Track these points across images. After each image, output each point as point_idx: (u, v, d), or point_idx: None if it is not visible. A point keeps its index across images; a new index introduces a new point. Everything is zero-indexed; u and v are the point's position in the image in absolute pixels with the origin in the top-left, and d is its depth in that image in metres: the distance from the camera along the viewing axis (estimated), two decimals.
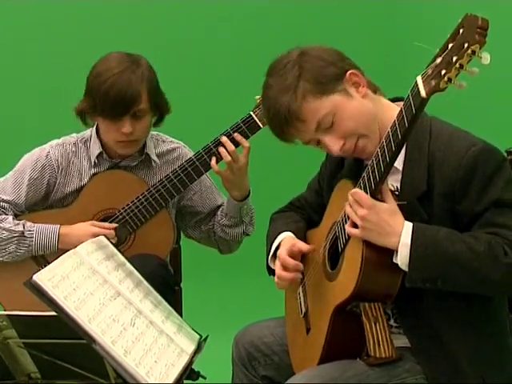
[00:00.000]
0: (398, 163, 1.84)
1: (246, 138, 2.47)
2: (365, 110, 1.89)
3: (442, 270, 1.76)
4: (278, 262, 2.06)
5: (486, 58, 1.54)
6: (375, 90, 1.95)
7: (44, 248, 2.44)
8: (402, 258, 1.76)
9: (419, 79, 1.64)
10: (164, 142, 2.61)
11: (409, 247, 1.75)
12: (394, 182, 1.90)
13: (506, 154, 2.25)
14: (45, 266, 1.77)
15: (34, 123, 4.19)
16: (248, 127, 2.47)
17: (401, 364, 1.86)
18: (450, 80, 1.58)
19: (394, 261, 1.79)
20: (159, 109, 2.47)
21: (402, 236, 1.76)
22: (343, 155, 1.94)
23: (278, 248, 2.12)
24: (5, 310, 2.41)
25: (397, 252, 1.78)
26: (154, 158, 2.56)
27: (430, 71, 1.62)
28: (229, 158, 2.42)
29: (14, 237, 2.44)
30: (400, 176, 1.88)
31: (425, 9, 4.32)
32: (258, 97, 2.49)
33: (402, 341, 1.91)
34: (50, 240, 2.43)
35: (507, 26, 3.81)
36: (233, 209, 2.54)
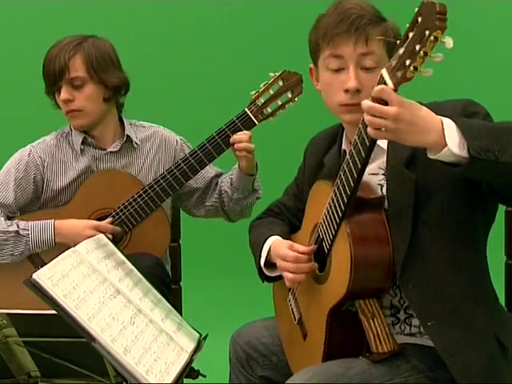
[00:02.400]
0: (383, 142, 1.83)
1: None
2: None
3: (494, 136, 1.63)
4: (281, 262, 2.01)
5: (448, 42, 1.53)
6: None
7: (41, 244, 2.44)
8: (451, 139, 1.62)
9: (384, 72, 1.62)
10: (143, 127, 2.65)
11: (454, 125, 1.63)
12: (380, 163, 1.88)
13: None
14: (41, 266, 1.76)
15: (32, 122, 4.19)
16: (243, 124, 2.47)
17: (404, 362, 1.85)
18: (416, 69, 1.56)
19: (430, 156, 1.66)
20: (104, 81, 2.47)
21: (444, 123, 1.63)
22: (345, 98, 1.88)
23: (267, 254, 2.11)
24: None
25: (438, 147, 1.64)
26: (136, 140, 2.58)
27: (393, 62, 1.60)
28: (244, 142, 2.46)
29: (10, 237, 2.44)
30: (385, 154, 1.87)
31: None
32: (253, 92, 2.49)
33: (399, 340, 1.89)
34: (46, 235, 2.43)
35: (506, 23, 3.82)
36: (247, 183, 2.57)
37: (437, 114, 1.73)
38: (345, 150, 2.01)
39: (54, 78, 2.45)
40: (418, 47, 1.55)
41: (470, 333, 1.81)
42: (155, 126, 2.65)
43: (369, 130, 1.67)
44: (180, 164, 2.48)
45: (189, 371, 1.86)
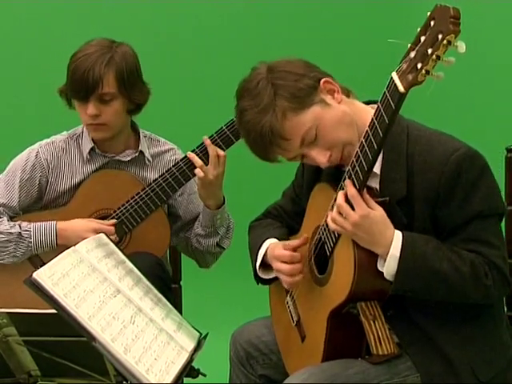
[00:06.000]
0: (376, 166, 1.82)
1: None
2: (344, 117, 1.87)
3: (426, 285, 1.79)
4: (277, 264, 2.01)
5: (461, 46, 1.54)
6: (348, 94, 1.93)
7: (43, 245, 2.44)
8: (388, 269, 1.77)
9: (394, 75, 1.63)
10: (158, 141, 2.62)
11: (397, 260, 1.76)
12: (373, 184, 1.88)
13: (506, 152, 2.26)
14: (41, 266, 1.76)
15: (32, 121, 4.19)
16: (232, 132, 2.44)
17: (402, 362, 1.86)
18: (427, 72, 1.57)
19: (379, 268, 1.79)
20: (131, 96, 2.44)
21: (392, 247, 1.76)
22: (331, 165, 1.92)
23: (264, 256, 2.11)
24: None
25: (383, 260, 1.78)
26: (148, 156, 2.56)
27: (404, 66, 1.61)
28: (201, 173, 2.41)
29: (12, 239, 2.43)
30: (378, 179, 1.87)
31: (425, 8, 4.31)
32: None
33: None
34: (48, 237, 2.43)
35: (507, 24, 3.82)
36: (207, 217, 2.52)
37: (426, 159, 1.81)
38: None
39: (86, 91, 2.37)
40: (430, 50, 1.55)
41: (445, 362, 1.84)
42: (170, 144, 2.63)
43: (330, 224, 1.81)
44: (179, 164, 2.48)
45: (189, 370, 1.86)
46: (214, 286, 4.19)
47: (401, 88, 1.61)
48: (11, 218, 2.50)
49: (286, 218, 2.24)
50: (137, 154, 2.55)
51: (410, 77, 1.59)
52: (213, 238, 2.57)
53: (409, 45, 1.61)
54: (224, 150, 2.44)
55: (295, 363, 2.06)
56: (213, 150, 2.42)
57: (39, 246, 2.44)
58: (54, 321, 1.74)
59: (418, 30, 1.59)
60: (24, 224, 2.46)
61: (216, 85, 4.45)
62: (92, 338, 1.67)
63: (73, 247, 1.89)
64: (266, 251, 2.10)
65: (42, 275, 1.69)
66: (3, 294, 2.44)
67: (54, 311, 1.69)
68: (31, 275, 1.68)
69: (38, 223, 2.45)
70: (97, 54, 2.39)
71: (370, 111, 1.82)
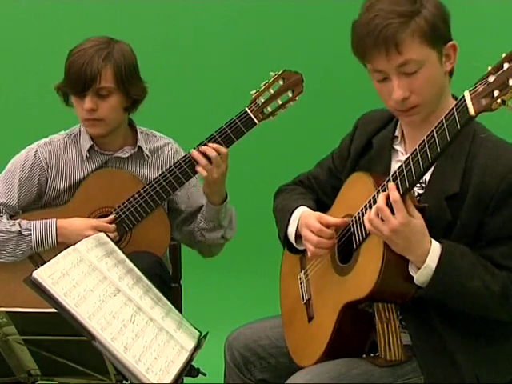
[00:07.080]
0: None
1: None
2: (440, 84, 1.85)
3: (453, 298, 1.78)
4: (306, 232, 1.99)
5: None
6: (451, 75, 1.90)
7: (43, 243, 2.44)
8: (420, 278, 1.76)
9: (467, 95, 1.58)
10: (155, 136, 2.63)
11: (431, 272, 1.74)
12: None
13: None
14: (41, 265, 1.76)
15: (32, 121, 4.19)
16: (243, 123, 2.46)
17: (408, 363, 1.85)
18: (503, 102, 1.52)
19: (411, 272, 1.78)
20: (128, 92, 2.46)
21: (428, 258, 1.74)
22: (396, 105, 1.86)
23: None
24: None
25: (415, 266, 1.77)
26: (147, 151, 2.57)
27: (480, 88, 1.56)
28: (205, 172, 2.42)
29: (12, 237, 2.43)
30: (431, 169, 1.82)
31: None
32: (253, 92, 2.49)
33: (407, 338, 1.89)
34: (48, 235, 2.43)
35: (507, 23, 3.82)
36: (211, 212, 2.53)
37: (488, 162, 1.78)
38: (397, 136, 1.99)
39: (84, 85, 2.39)
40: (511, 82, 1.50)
41: (452, 366, 1.83)
42: (166, 138, 2.64)
43: (366, 223, 1.78)
44: (180, 163, 2.48)
45: (189, 369, 1.86)
46: (214, 285, 4.20)
47: (471, 110, 1.57)
48: (11, 217, 2.51)
49: (317, 190, 2.20)
50: (135, 150, 2.56)
51: (484, 102, 1.54)
52: (217, 231, 2.58)
53: (489, 67, 1.55)
54: (228, 147, 2.45)
55: (296, 339, 2.07)
56: (211, 151, 2.42)
57: (39, 244, 2.44)
58: (53, 320, 1.73)
59: (503, 55, 1.53)
60: (24, 222, 2.46)
61: (216, 84, 4.46)
62: (92, 337, 1.67)
63: (73, 246, 1.89)
64: (299, 218, 2.06)
65: (41, 274, 1.69)
66: (3, 293, 2.44)
67: (53, 310, 1.69)
68: (31, 274, 1.68)
69: (38, 221, 2.45)
70: (94, 48, 2.41)
71: (450, 104, 1.74)
